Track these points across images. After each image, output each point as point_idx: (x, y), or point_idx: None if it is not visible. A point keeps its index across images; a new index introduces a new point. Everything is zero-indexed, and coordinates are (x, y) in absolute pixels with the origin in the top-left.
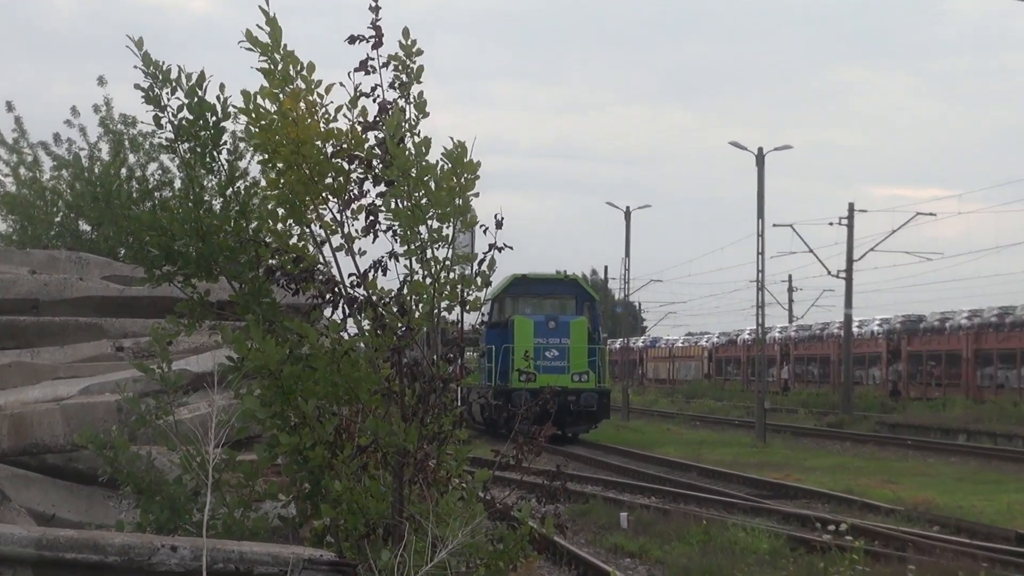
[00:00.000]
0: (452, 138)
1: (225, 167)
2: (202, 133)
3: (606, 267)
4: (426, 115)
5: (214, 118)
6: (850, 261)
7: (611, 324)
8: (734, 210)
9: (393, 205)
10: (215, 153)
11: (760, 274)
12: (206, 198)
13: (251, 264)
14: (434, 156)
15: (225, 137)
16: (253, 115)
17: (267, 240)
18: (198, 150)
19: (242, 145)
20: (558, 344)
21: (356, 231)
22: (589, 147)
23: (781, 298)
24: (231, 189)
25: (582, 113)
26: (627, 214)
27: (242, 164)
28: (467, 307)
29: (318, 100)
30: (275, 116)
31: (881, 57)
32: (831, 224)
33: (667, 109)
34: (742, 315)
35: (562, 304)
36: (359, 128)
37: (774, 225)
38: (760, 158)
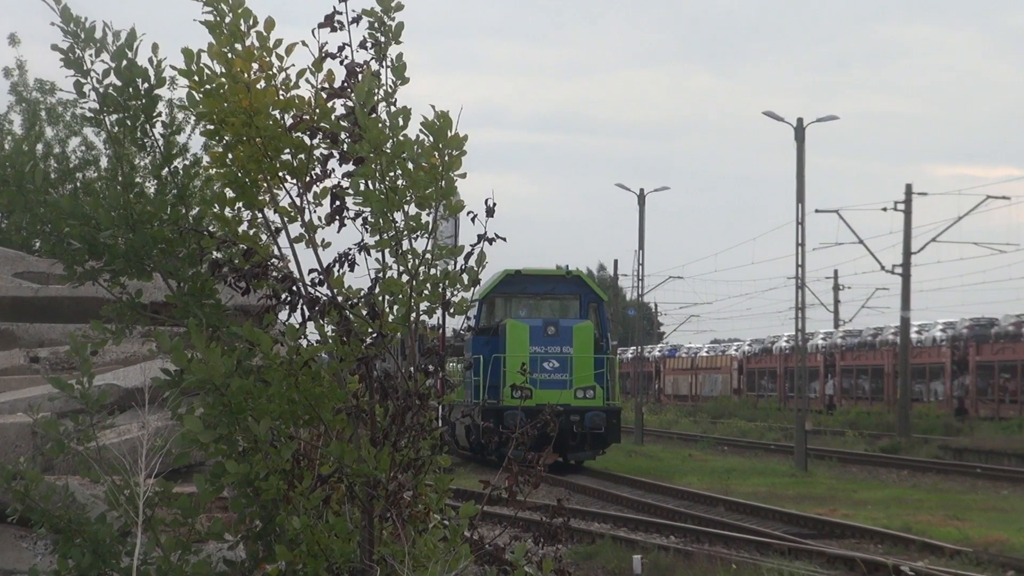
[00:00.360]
0: (433, 107)
1: (160, 143)
2: (133, 102)
3: (616, 261)
4: (405, 81)
5: (147, 84)
6: (907, 254)
7: (622, 329)
8: (769, 193)
9: (363, 187)
10: (148, 126)
11: (800, 269)
12: (138, 179)
13: (192, 258)
14: (413, 130)
15: (160, 107)
16: (196, 78)
17: (211, 229)
18: (128, 122)
19: (180, 116)
20: (558, 353)
21: (319, 218)
22: (596, 118)
23: (825, 298)
24: (167, 168)
25: (588, 78)
26: (641, 198)
27: (181, 139)
28: (451, 310)
29: (275, 62)
30: (222, 80)
31: (946, 11)
32: (885, 210)
33: (690, 73)
34: (778, 319)
35: (563, 305)
36: (323, 95)
37: (817, 211)
38: (800, 131)
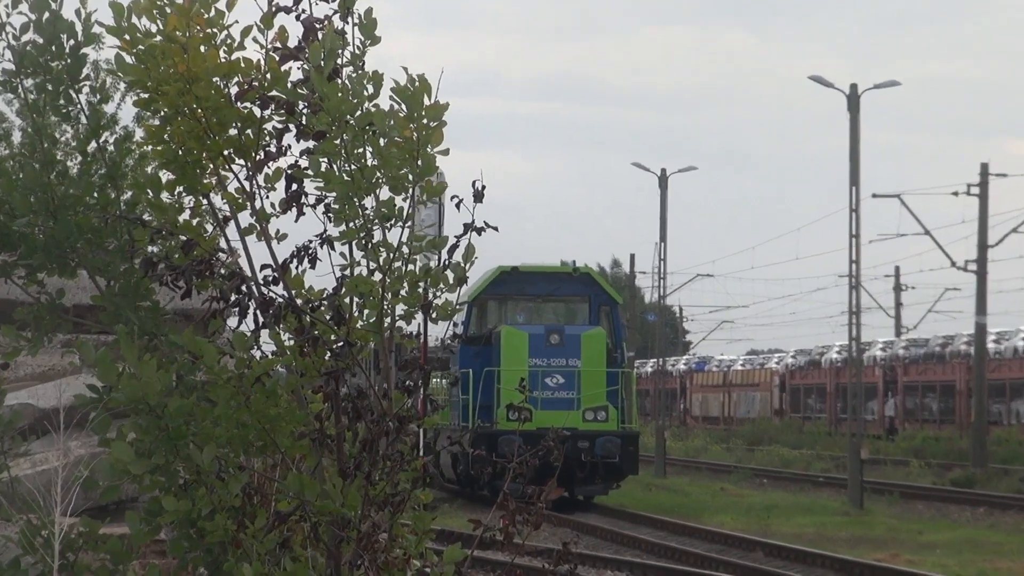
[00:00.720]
0: (406, 69)
1: (87, 112)
2: (55, 64)
3: (632, 256)
4: (375, 41)
5: (72, 42)
6: (983, 247)
7: (640, 338)
8: (817, 175)
9: (324, 167)
10: (74, 92)
11: (854, 266)
12: (59, 156)
13: (123, 252)
14: (386, 99)
15: (87, 70)
16: (127, 37)
17: (146, 218)
18: (49, 87)
19: (109, 81)
20: (564, 367)
21: (272, 205)
22: (608, 84)
23: (884, 300)
24: (95, 143)
25: (598, 35)
26: (663, 180)
27: (109, 109)
28: (434, 314)
29: (218, 18)
30: (157, 40)
31: None
32: (956, 194)
33: (721, 29)
34: (828, 325)
35: (570, 309)
36: (275, 57)
37: (874, 196)
38: (853, 99)
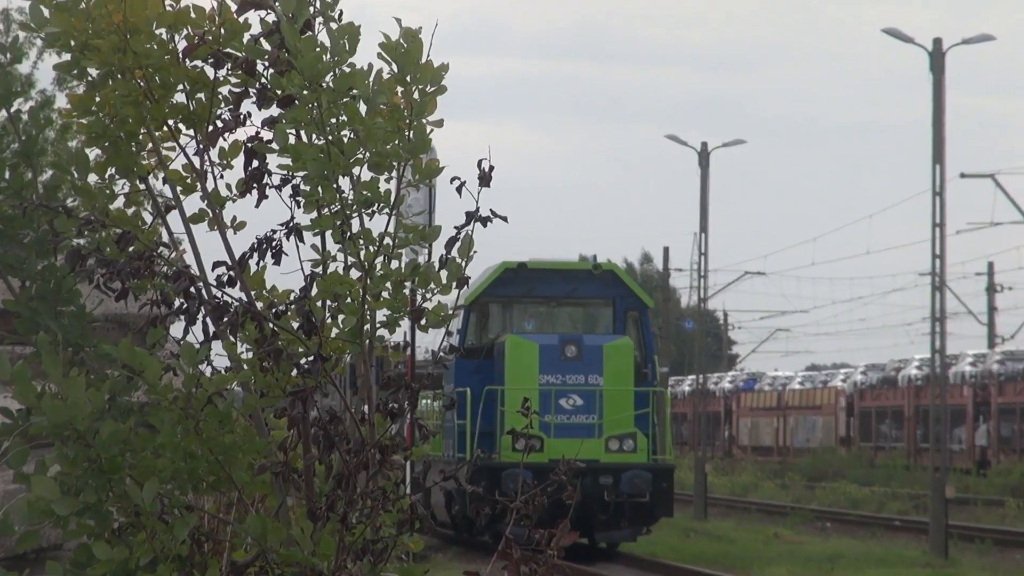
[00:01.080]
0: (398, 21)
1: None
2: None
3: (666, 250)
4: None
5: None
6: None
7: (675, 350)
8: (892, 150)
9: (292, 140)
10: None
11: (938, 262)
12: None
13: (43, 246)
14: (364, 57)
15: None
16: None
17: (70, 203)
18: None
19: (22, 36)
20: (582, 385)
21: (229, 187)
22: (638, 40)
23: (975, 304)
24: (6, 112)
25: None
26: (703, 156)
27: (24, 69)
28: (423, 321)
29: None
30: None
31: None
32: None
33: None
34: (906, 334)
35: (589, 315)
36: (232, 5)
37: (963, 176)
38: (937, 57)
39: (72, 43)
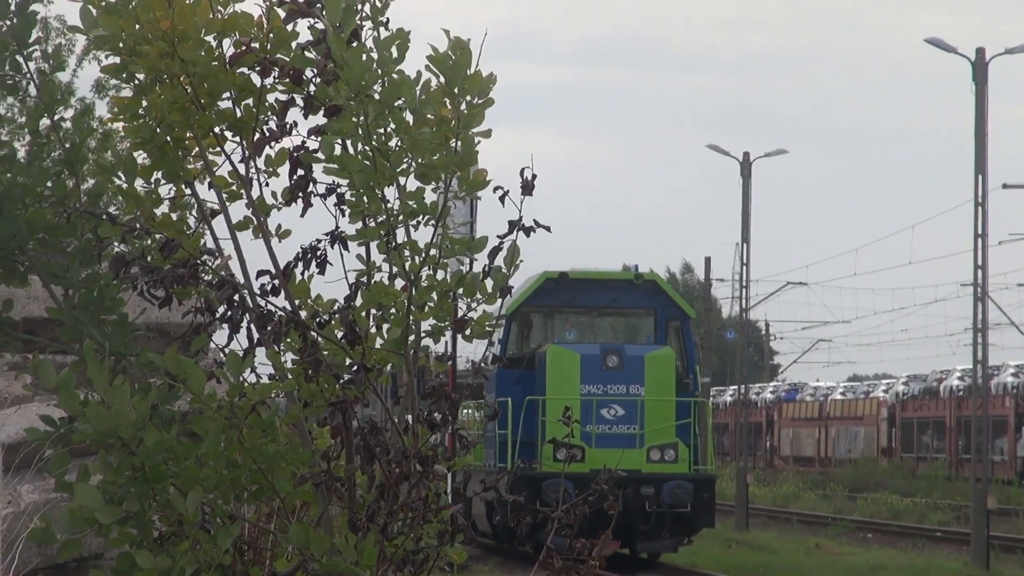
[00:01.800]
0: (447, 32)
1: (37, 83)
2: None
3: (708, 260)
4: None
5: None
6: None
7: (717, 361)
8: (934, 159)
9: (339, 150)
10: (21, 59)
11: (980, 272)
12: (4, 137)
13: (86, 254)
14: (411, 65)
15: (37, 32)
16: None
17: (114, 211)
18: None
19: (61, 42)
20: (624, 395)
21: (274, 195)
22: (676, 46)
23: (1017, 315)
24: (49, 120)
25: None
26: (745, 166)
27: (64, 76)
28: (468, 331)
29: None
30: None
31: None
32: None
33: None
34: (948, 345)
35: (631, 325)
36: (280, 14)
37: (1005, 186)
38: (980, 67)
39: (121, 46)
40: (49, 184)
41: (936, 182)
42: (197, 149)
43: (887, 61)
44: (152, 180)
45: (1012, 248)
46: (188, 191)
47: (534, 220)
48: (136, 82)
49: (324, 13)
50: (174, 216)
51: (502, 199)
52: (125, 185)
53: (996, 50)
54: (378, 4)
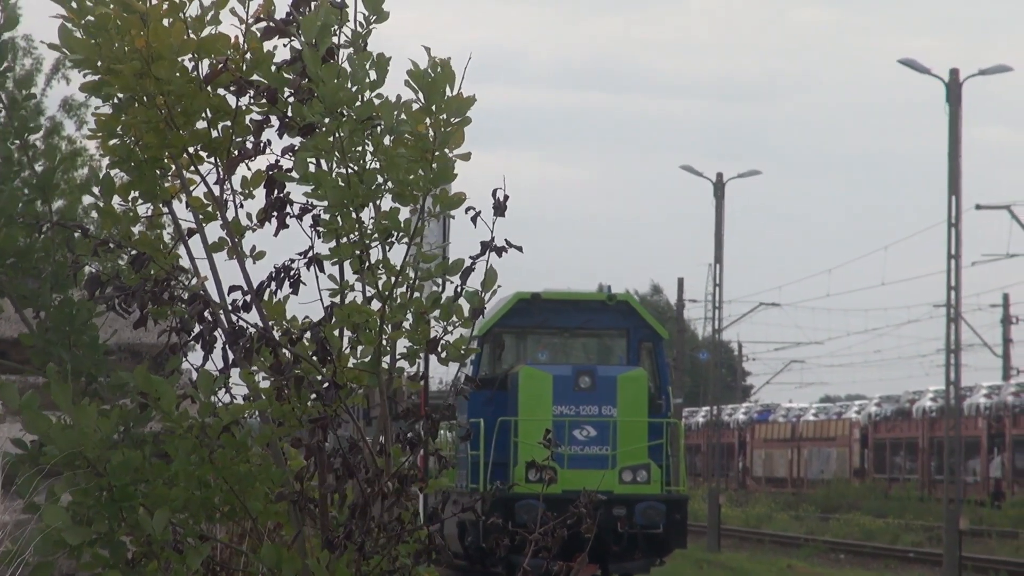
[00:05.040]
0: (428, 50)
1: (6, 104)
2: None
3: (680, 281)
4: (383, 17)
5: None
6: None
7: (689, 381)
8: (907, 180)
9: (313, 168)
10: None
11: (953, 293)
12: None
13: (58, 277)
14: (393, 89)
15: (9, 58)
16: (74, 5)
17: (87, 229)
18: None
19: (28, 62)
20: (596, 416)
21: (249, 216)
22: (652, 70)
23: (990, 336)
24: (17, 141)
25: (640, 10)
26: (719, 187)
27: (38, 93)
28: (443, 353)
29: None
30: (109, 10)
31: None
32: None
33: (791, 2)
34: (920, 366)
35: (603, 346)
36: (256, 33)
37: (979, 207)
38: (954, 88)
39: (99, 64)
40: (20, 206)
41: (909, 203)
42: (173, 169)
43: (862, 83)
44: (129, 199)
45: (985, 269)
46: (165, 210)
47: (506, 240)
48: (115, 100)
49: (300, 31)
50: (151, 235)
51: (474, 219)
52: (102, 203)
53: (970, 71)
54: (359, 29)
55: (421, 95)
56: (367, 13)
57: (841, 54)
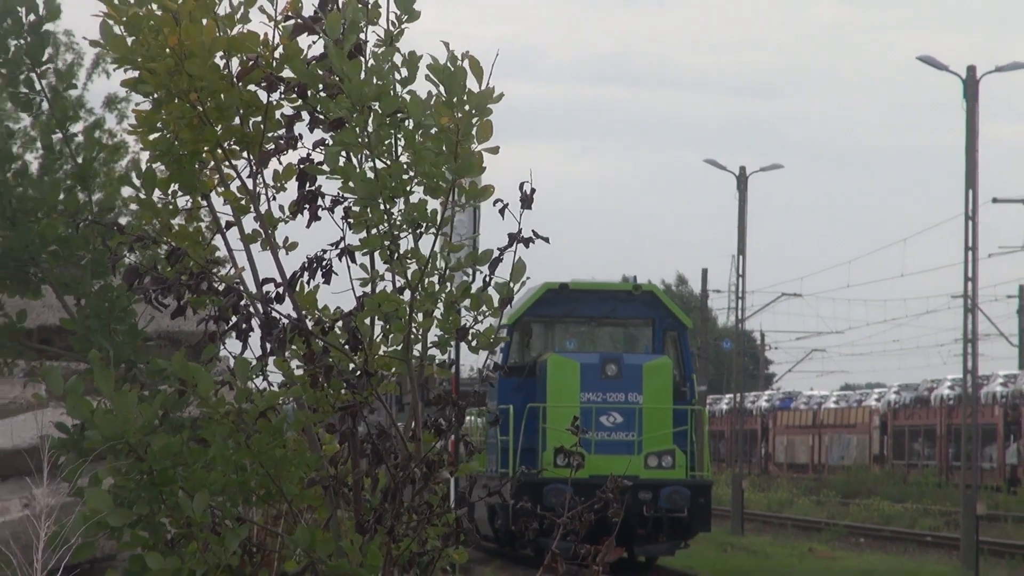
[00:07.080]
0: (447, 44)
1: (49, 98)
2: (13, 41)
3: (704, 272)
4: (414, 17)
5: (32, 17)
6: None
7: (713, 370)
8: (926, 174)
9: (343, 162)
10: (35, 75)
11: (970, 284)
12: (17, 150)
13: (98, 265)
14: (422, 84)
15: (50, 50)
16: (115, 2)
17: (121, 225)
18: (5, 70)
19: (70, 58)
20: (622, 403)
21: (282, 208)
22: (675, 65)
23: (1007, 326)
24: (61, 134)
25: (662, 5)
26: (741, 180)
27: (75, 92)
28: (473, 342)
29: None
30: (143, 11)
31: None
32: None
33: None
34: (939, 355)
35: (630, 335)
36: (286, 32)
37: (995, 200)
38: (971, 84)
39: (136, 63)
40: (62, 197)
41: (927, 196)
42: (212, 164)
43: (881, 79)
44: (169, 191)
45: (1001, 261)
46: (204, 203)
47: (533, 231)
48: (154, 96)
49: (326, 31)
50: (190, 227)
51: (502, 212)
52: (143, 195)
53: (987, 68)
54: (390, 29)
55: (442, 88)
56: (399, 12)
57: (866, 51)
